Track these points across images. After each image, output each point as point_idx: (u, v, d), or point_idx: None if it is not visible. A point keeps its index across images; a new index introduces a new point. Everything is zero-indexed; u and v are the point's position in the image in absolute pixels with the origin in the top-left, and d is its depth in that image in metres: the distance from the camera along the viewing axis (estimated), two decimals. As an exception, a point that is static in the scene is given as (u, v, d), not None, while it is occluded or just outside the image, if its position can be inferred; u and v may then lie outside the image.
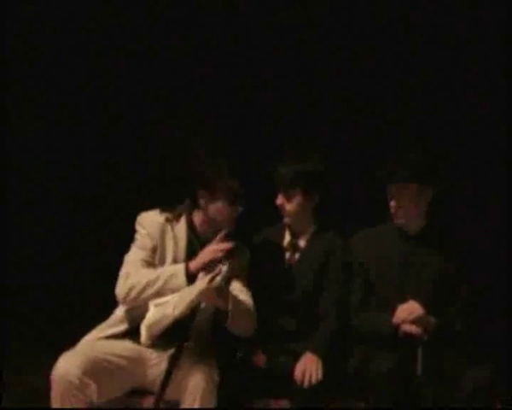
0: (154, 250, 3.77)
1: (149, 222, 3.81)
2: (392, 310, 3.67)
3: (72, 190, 5.09)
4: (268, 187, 3.93)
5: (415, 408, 3.54)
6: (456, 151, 4.65)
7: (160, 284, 3.61)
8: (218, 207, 3.77)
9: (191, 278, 3.60)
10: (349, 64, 4.92)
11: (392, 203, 3.75)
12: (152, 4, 5.07)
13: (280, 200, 3.87)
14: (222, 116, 4.96)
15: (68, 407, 3.44)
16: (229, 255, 3.56)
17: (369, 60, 4.89)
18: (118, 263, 3.78)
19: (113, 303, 3.78)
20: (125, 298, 3.66)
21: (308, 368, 3.61)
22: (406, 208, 3.74)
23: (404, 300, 3.66)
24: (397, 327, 3.64)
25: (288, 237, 3.95)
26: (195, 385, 3.46)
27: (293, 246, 3.94)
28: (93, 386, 3.49)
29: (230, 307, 3.55)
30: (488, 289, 4.05)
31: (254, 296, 3.76)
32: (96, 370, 3.52)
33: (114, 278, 3.71)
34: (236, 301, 3.60)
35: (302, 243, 3.94)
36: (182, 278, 3.60)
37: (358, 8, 4.89)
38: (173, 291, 3.59)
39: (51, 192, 5.11)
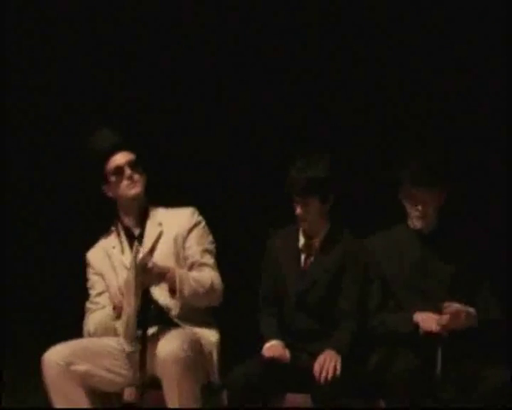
0: (100, 276, 3.87)
1: (90, 257, 3.93)
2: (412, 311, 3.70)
3: (73, 189, 5.08)
4: (276, 189, 3.94)
5: (434, 408, 3.56)
6: (456, 151, 4.64)
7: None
8: (112, 186, 3.84)
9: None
10: (358, 65, 4.92)
11: (419, 208, 3.78)
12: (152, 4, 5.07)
13: (298, 210, 3.84)
14: (228, 117, 4.97)
15: (65, 390, 3.53)
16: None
17: (379, 62, 4.89)
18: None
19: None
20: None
21: (326, 364, 3.63)
22: (427, 211, 3.79)
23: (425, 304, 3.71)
24: (417, 326, 3.67)
25: (302, 239, 3.95)
26: (169, 378, 3.48)
27: (309, 247, 3.94)
28: (83, 367, 3.57)
29: (177, 282, 3.58)
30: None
31: (276, 297, 3.91)
32: (86, 353, 3.61)
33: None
34: (185, 278, 3.63)
35: (317, 243, 3.93)
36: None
37: (368, 9, 4.88)
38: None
39: (52, 191, 5.11)
